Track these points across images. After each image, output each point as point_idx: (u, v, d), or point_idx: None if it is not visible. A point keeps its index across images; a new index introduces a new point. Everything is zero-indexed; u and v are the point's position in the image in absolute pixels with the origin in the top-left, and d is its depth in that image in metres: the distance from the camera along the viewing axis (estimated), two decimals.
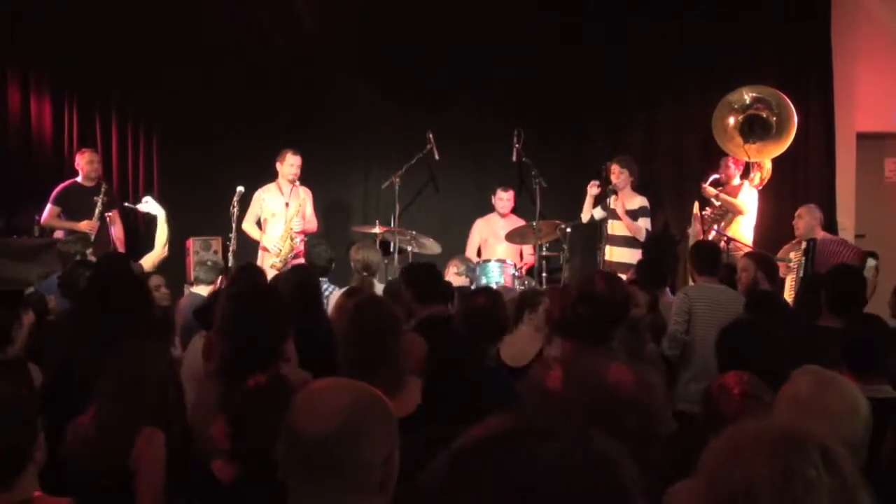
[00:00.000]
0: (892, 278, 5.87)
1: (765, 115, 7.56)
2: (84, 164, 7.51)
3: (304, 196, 7.58)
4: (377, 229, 7.54)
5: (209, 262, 6.66)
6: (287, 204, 7.45)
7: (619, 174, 7.54)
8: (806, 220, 6.90)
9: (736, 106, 7.59)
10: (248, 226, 7.44)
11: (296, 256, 7.25)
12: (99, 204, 7.26)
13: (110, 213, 7.33)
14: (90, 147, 7.91)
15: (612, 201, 7.49)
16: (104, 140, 8.37)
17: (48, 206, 7.37)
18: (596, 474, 0.99)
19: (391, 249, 7.54)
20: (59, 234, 7.24)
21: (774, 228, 7.68)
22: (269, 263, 7.13)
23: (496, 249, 7.88)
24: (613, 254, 7.47)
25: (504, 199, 8.08)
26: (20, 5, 8.08)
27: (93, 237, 7.12)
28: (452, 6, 8.29)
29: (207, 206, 7.83)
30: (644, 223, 7.53)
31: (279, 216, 7.44)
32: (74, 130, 8.34)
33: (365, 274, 5.92)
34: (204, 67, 8.30)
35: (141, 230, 7.83)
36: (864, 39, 8.34)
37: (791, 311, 4.53)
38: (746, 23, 8.23)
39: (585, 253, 8.00)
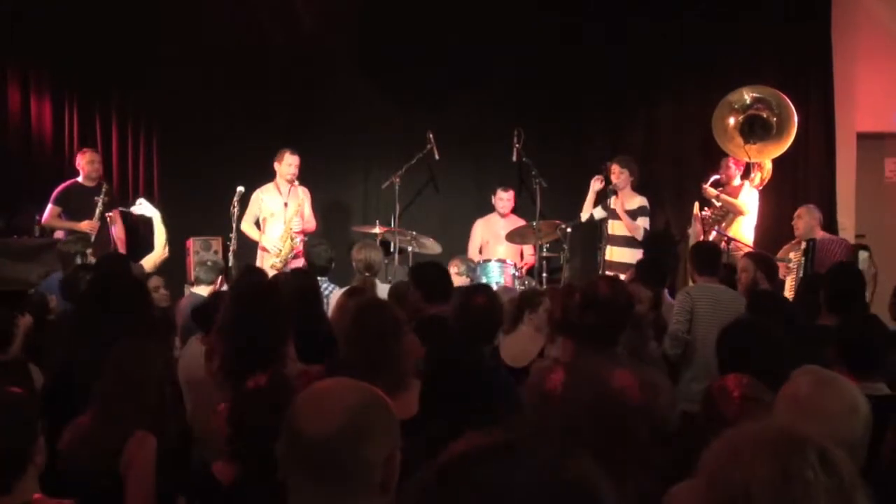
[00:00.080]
0: (892, 278, 5.86)
1: (765, 116, 7.56)
2: (85, 164, 7.51)
3: (303, 196, 7.58)
4: (377, 229, 7.54)
5: (209, 262, 6.66)
6: (286, 204, 7.45)
7: (619, 174, 7.54)
8: (805, 220, 6.91)
9: (736, 106, 7.59)
10: (247, 226, 7.43)
11: (295, 256, 7.25)
12: (100, 204, 7.26)
13: (111, 213, 7.32)
14: (91, 147, 7.91)
15: (612, 201, 7.49)
16: (104, 140, 8.37)
17: (49, 206, 7.37)
18: (573, 492, 1.01)
19: (391, 249, 7.54)
20: (59, 234, 7.24)
21: (774, 228, 7.68)
22: (269, 264, 7.13)
23: (496, 249, 7.88)
24: (614, 254, 7.47)
25: (504, 199, 8.08)
26: (20, 5, 8.08)
27: (93, 237, 7.12)
28: (452, 6, 8.29)
29: (207, 206, 7.83)
30: (643, 223, 7.54)
31: (278, 216, 7.43)
32: (74, 130, 8.34)
33: (367, 274, 5.92)
34: (204, 67, 8.30)
35: (141, 231, 7.82)
36: (864, 39, 8.34)
37: (792, 311, 4.52)
38: (746, 23, 8.23)
39: (585, 253, 8.00)
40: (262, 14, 8.45)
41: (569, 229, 7.27)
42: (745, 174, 7.59)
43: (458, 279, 6.87)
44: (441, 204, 8.61)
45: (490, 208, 8.19)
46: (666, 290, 5.88)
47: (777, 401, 2.25)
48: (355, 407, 1.71)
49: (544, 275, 7.37)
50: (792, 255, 6.78)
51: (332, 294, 5.70)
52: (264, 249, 7.38)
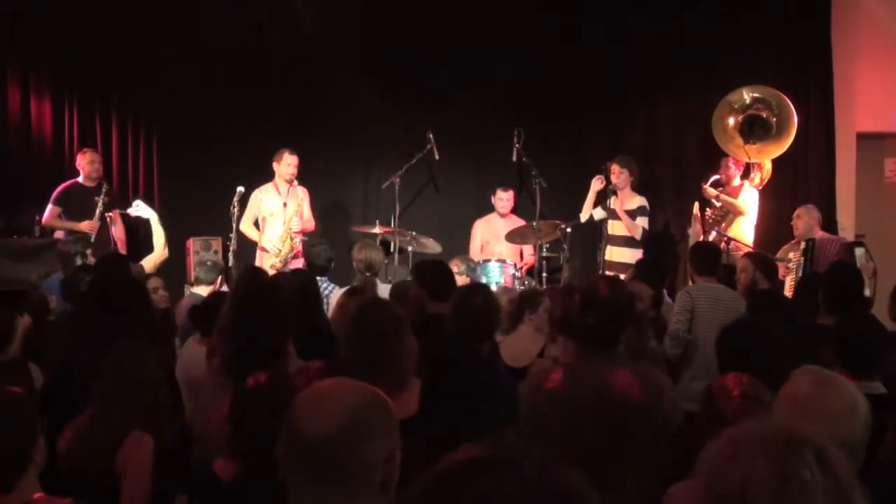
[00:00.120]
0: (892, 278, 5.86)
1: (765, 116, 7.56)
2: (85, 164, 7.52)
3: (302, 196, 7.58)
4: (377, 229, 7.54)
5: (209, 262, 6.66)
6: (285, 204, 7.44)
7: (619, 174, 7.55)
8: (805, 220, 6.91)
9: (736, 106, 7.60)
10: (246, 226, 7.40)
11: (295, 257, 7.25)
12: (100, 204, 7.26)
13: (111, 213, 7.32)
14: (91, 147, 7.91)
15: (612, 201, 7.50)
16: (104, 140, 8.37)
17: (49, 206, 7.37)
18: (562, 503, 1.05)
19: (391, 249, 7.54)
20: (59, 235, 7.24)
21: (774, 228, 7.68)
22: (269, 264, 7.13)
23: (496, 249, 7.88)
24: (613, 254, 7.47)
25: (504, 199, 8.08)
26: (20, 5, 8.08)
27: (93, 237, 7.12)
28: (452, 6, 8.29)
29: (207, 206, 7.83)
30: (642, 222, 7.54)
31: (277, 216, 7.43)
32: (74, 130, 8.34)
33: (368, 274, 5.92)
34: (204, 67, 8.30)
35: (141, 231, 7.82)
36: (864, 39, 8.34)
37: (793, 310, 4.53)
38: (746, 23, 8.23)
39: (585, 253, 7.99)
40: (262, 14, 8.45)
41: (568, 229, 7.28)
42: (745, 174, 7.59)
43: (459, 279, 6.85)
44: (441, 204, 8.61)
45: (490, 208, 8.20)
46: (665, 291, 5.88)
47: (777, 401, 2.25)
48: (355, 407, 1.71)
49: (544, 275, 7.37)
50: (791, 254, 6.78)
51: (332, 294, 5.70)
52: (263, 249, 7.38)
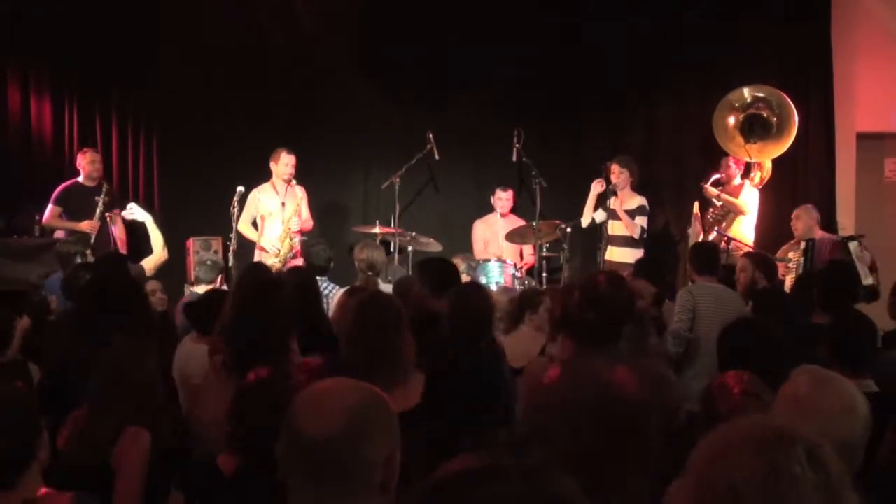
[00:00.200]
0: (892, 278, 5.87)
1: (765, 115, 7.56)
2: (86, 164, 7.52)
3: (301, 195, 7.57)
4: (377, 229, 7.54)
5: (209, 262, 6.67)
6: (283, 203, 7.43)
7: (619, 174, 7.55)
8: (804, 220, 6.91)
9: (737, 105, 7.60)
10: (244, 226, 7.36)
11: (294, 256, 7.25)
12: (100, 204, 7.26)
13: (111, 213, 7.32)
14: (91, 147, 7.91)
15: (612, 201, 7.50)
16: (104, 140, 8.37)
17: (49, 206, 7.37)
18: None
19: (391, 249, 7.54)
20: (59, 234, 7.24)
21: (774, 228, 7.68)
22: (269, 264, 7.11)
23: (496, 249, 7.88)
24: (614, 254, 7.48)
25: (503, 198, 8.08)
26: (20, 5, 8.08)
27: (94, 237, 7.13)
28: (452, 6, 8.29)
29: (207, 206, 7.83)
30: (641, 222, 7.54)
31: (276, 216, 7.42)
32: (74, 130, 8.34)
33: (369, 273, 5.93)
34: (204, 67, 8.31)
35: (141, 231, 7.83)
36: (864, 39, 8.34)
37: (796, 310, 4.53)
38: (746, 23, 8.23)
39: (585, 253, 8.00)
40: (262, 14, 8.45)
41: (568, 229, 7.28)
42: (746, 173, 7.59)
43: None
44: (441, 204, 8.61)
45: (490, 208, 8.20)
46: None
47: (776, 400, 2.25)
48: (355, 407, 1.71)
49: (544, 275, 7.37)
50: (791, 254, 6.78)
51: (333, 294, 5.69)
52: (262, 249, 7.37)
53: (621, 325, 3.26)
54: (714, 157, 7.81)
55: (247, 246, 7.41)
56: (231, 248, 7.02)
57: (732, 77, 7.90)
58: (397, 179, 7.90)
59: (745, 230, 7.43)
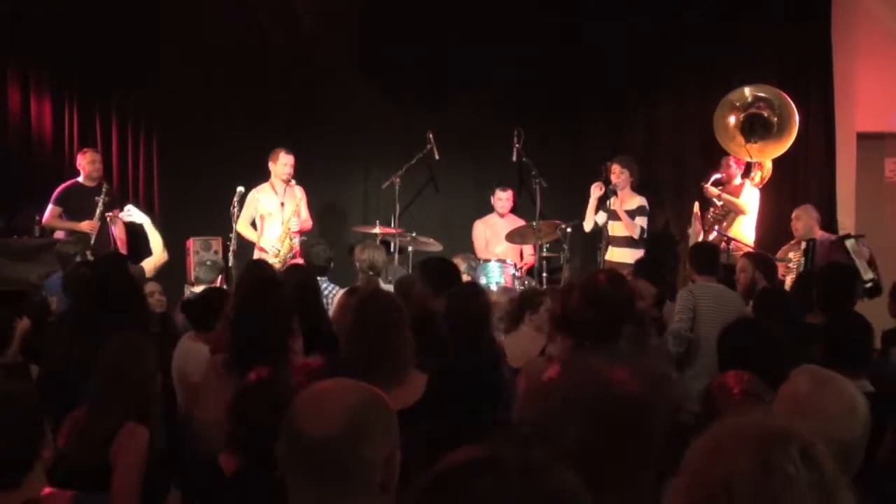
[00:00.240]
0: (892, 278, 5.87)
1: (766, 115, 7.56)
2: (86, 164, 7.52)
3: (300, 195, 7.56)
4: (377, 229, 7.54)
5: (209, 262, 6.68)
6: (282, 204, 7.42)
7: (619, 174, 7.55)
8: (804, 221, 6.90)
9: (737, 104, 7.60)
10: (243, 227, 7.33)
11: (294, 257, 7.25)
12: (100, 204, 7.26)
13: (111, 213, 7.32)
14: (91, 147, 7.91)
15: (612, 202, 7.50)
16: (104, 140, 8.37)
17: (49, 206, 7.37)
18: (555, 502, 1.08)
19: (391, 249, 7.54)
20: (59, 235, 7.24)
21: (774, 228, 7.68)
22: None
23: (496, 249, 7.88)
24: (614, 254, 7.47)
25: (503, 198, 8.09)
26: (20, 5, 8.08)
27: (94, 237, 7.12)
28: (452, 6, 8.29)
29: (207, 206, 7.83)
30: (640, 222, 7.54)
31: (275, 216, 7.41)
32: (74, 130, 8.34)
33: (371, 273, 5.93)
34: (204, 67, 8.31)
35: (141, 232, 7.83)
36: (863, 39, 8.33)
37: (798, 309, 4.53)
38: (746, 23, 8.23)
39: (585, 253, 8.00)
40: (262, 14, 8.45)
41: (569, 229, 7.28)
42: (746, 173, 7.59)
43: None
44: (441, 204, 8.61)
45: (490, 208, 8.20)
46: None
47: (776, 400, 2.25)
48: (355, 407, 1.71)
49: (544, 275, 7.37)
50: (791, 254, 6.78)
51: (333, 294, 5.69)
52: (262, 249, 7.35)
53: (621, 323, 3.25)
54: (714, 156, 7.80)
55: (247, 246, 7.41)
56: (231, 248, 7.02)
57: (732, 77, 7.90)
58: (397, 179, 7.90)
59: (745, 230, 7.43)
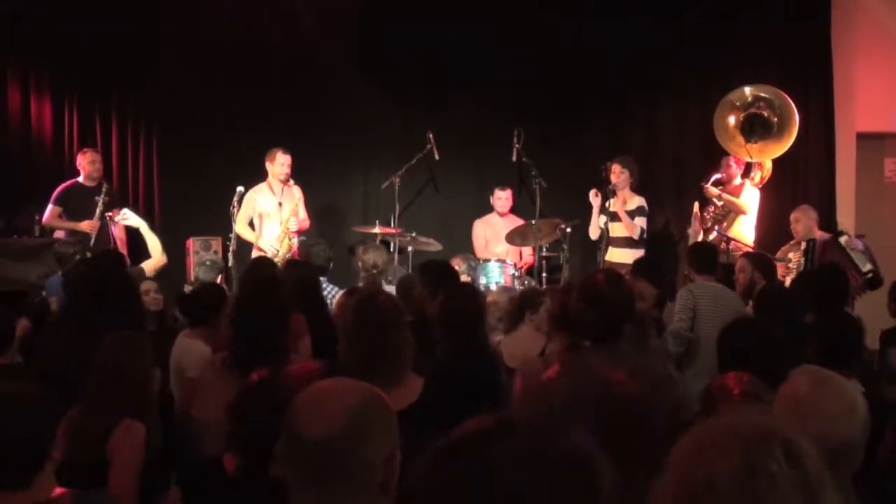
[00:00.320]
0: (892, 277, 5.87)
1: (766, 115, 7.56)
2: (86, 164, 7.52)
3: (299, 195, 7.55)
4: (377, 229, 7.53)
5: (209, 262, 6.67)
6: (280, 204, 7.40)
7: (619, 174, 7.54)
8: (803, 222, 6.90)
9: (738, 104, 7.60)
10: (241, 227, 7.26)
11: (293, 257, 7.24)
12: (100, 204, 7.26)
13: (111, 213, 7.32)
14: (91, 147, 7.91)
15: (612, 203, 7.49)
16: (104, 140, 8.37)
17: (49, 206, 7.37)
18: (570, 461, 1.11)
19: (391, 249, 7.54)
20: (59, 234, 7.24)
21: (774, 228, 7.68)
22: None
23: (496, 249, 7.88)
24: (614, 255, 7.47)
25: (503, 198, 8.09)
26: (20, 5, 8.09)
27: (94, 237, 7.13)
28: (452, 6, 8.29)
29: (207, 206, 7.83)
30: (640, 222, 7.54)
31: (273, 216, 7.40)
32: (74, 130, 8.34)
33: (374, 271, 5.93)
34: (204, 67, 8.31)
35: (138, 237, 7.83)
36: (863, 39, 8.34)
37: (799, 309, 4.53)
38: (746, 23, 8.24)
39: (585, 253, 8.00)
40: (262, 14, 8.45)
41: (568, 229, 7.27)
42: (746, 173, 7.59)
43: (460, 278, 6.87)
44: (441, 204, 8.61)
45: (490, 208, 8.20)
46: None
47: (776, 400, 2.25)
48: (355, 407, 1.71)
49: (544, 275, 7.38)
50: (791, 255, 6.78)
51: (332, 295, 5.69)
52: (260, 250, 7.34)
53: (621, 323, 3.25)
54: (714, 156, 7.80)
55: (246, 246, 7.41)
56: (231, 249, 7.01)
57: (732, 77, 7.90)
58: (397, 179, 7.90)
59: (745, 230, 7.43)
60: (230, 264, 6.98)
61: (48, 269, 6.39)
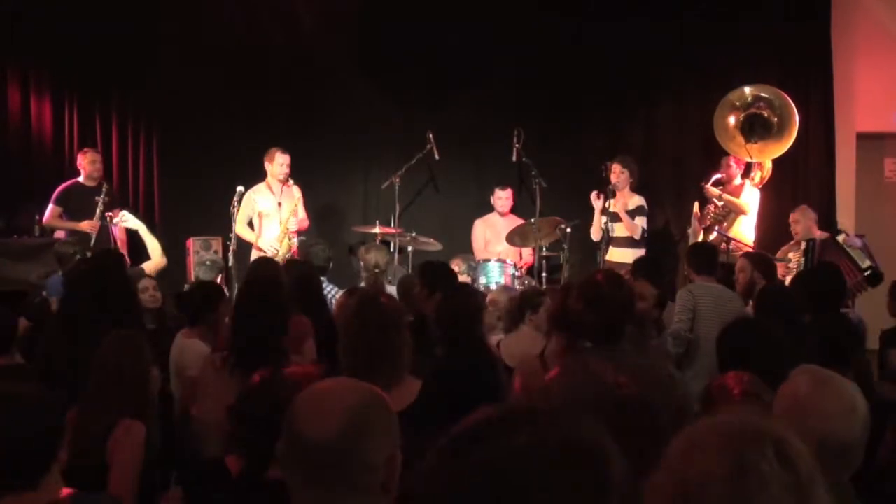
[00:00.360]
0: (892, 277, 5.87)
1: (766, 115, 7.56)
2: (87, 164, 7.52)
3: (298, 195, 7.55)
4: (377, 229, 7.53)
5: (209, 262, 6.68)
6: (280, 203, 7.39)
7: (619, 174, 7.54)
8: (803, 223, 6.90)
9: (738, 104, 7.60)
10: (241, 227, 7.24)
11: (292, 257, 7.24)
12: (100, 204, 7.26)
13: (111, 213, 7.32)
14: (91, 147, 7.91)
15: (612, 203, 7.49)
16: (104, 140, 8.37)
17: (50, 206, 7.37)
18: (580, 449, 1.10)
19: (391, 249, 7.53)
20: (59, 234, 7.24)
21: (774, 228, 7.68)
22: None
23: (496, 249, 7.88)
24: (614, 254, 7.47)
25: (503, 197, 8.09)
26: (20, 5, 8.09)
27: (94, 237, 7.13)
28: (452, 6, 8.29)
29: (207, 206, 7.83)
30: (640, 222, 7.54)
31: (272, 216, 7.39)
32: (74, 130, 8.35)
33: (376, 271, 5.94)
34: (204, 67, 8.31)
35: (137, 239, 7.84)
36: (863, 39, 8.34)
37: (800, 309, 4.53)
38: (746, 23, 8.24)
39: (585, 253, 7.99)
40: (262, 14, 8.46)
41: (568, 229, 7.27)
42: (746, 173, 7.59)
43: (459, 278, 6.87)
44: (441, 204, 8.61)
45: (490, 208, 8.20)
46: None
47: (776, 400, 2.25)
48: (355, 408, 1.71)
49: (544, 274, 7.38)
50: (791, 255, 6.78)
51: (333, 295, 5.69)
52: (260, 249, 7.33)
53: (622, 324, 3.24)
54: (714, 157, 7.81)
55: (246, 246, 7.41)
56: (231, 248, 7.01)
57: (732, 77, 7.90)
58: (397, 179, 7.90)
59: (745, 230, 7.43)
60: (230, 264, 6.98)
61: (48, 269, 6.39)
